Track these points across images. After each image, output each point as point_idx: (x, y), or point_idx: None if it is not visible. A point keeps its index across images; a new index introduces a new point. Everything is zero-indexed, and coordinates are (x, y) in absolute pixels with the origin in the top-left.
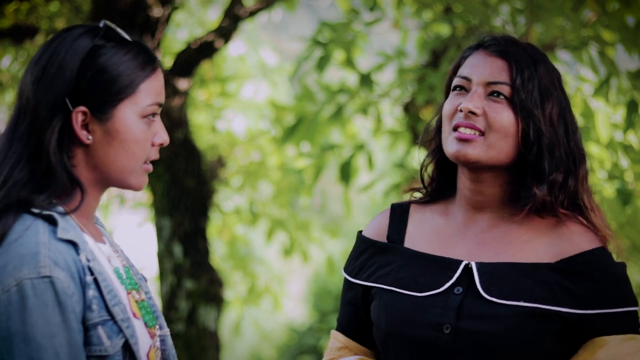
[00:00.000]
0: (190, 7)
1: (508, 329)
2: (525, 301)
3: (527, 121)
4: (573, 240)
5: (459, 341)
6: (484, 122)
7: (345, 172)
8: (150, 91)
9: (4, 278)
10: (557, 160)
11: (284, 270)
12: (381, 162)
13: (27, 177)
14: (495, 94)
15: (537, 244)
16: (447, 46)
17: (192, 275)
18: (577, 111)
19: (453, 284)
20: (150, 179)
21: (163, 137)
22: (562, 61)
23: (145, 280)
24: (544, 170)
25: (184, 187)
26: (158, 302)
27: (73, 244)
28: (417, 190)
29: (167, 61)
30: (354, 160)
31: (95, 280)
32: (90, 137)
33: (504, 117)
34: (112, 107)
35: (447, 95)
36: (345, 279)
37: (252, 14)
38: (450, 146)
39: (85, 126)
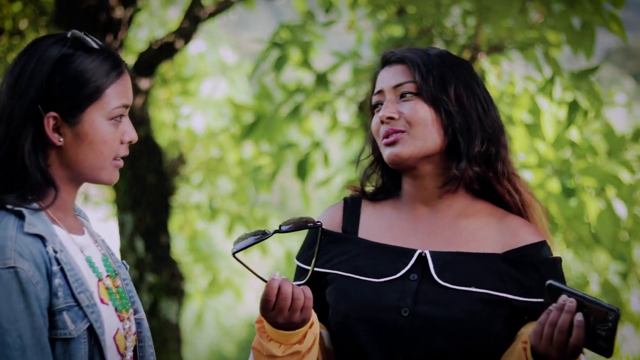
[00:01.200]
0: (151, 7)
1: (461, 313)
2: (476, 287)
3: (438, 107)
4: (518, 233)
5: (417, 324)
6: (403, 122)
7: (302, 169)
8: (116, 95)
9: None
10: (475, 134)
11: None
12: (337, 159)
13: None
14: (404, 95)
15: (484, 235)
16: (400, 46)
17: (153, 270)
18: (525, 109)
19: (408, 270)
20: None
21: (131, 135)
22: (513, 59)
23: (126, 268)
24: (460, 146)
25: (145, 183)
26: None
27: (40, 237)
28: (361, 192)
29: (129, 61)
30: (310, 157)
31: (62, 270)
32: (61, 140)
33: (418, 110)
34: (81, 112)
35: (372, 115)
36: (298, 267)
37: (212, 15)
38: (385, 154)
39: (56, 129)
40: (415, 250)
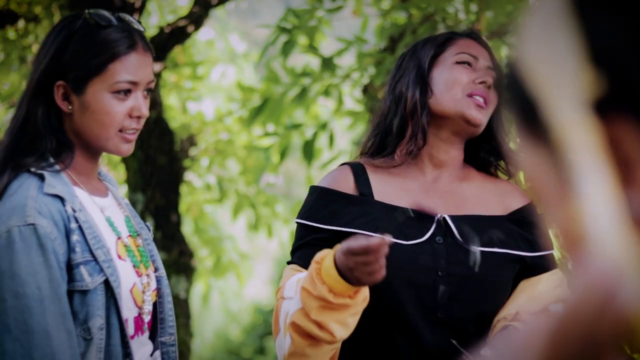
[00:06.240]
0: None
1: (490, 272)
2: (497, 248)
3: (498, 98)
4: (514, 197)
5: (453, 284)
6: (489, 97)
7: (309, 150)
8: (120, 70)
9: None
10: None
11: (249, 252)
12: (342, 142)
13: (15, 143)
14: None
15: (486, 199)
16: (403, 32)
17: (163, 247)
18: None
19: (433, 233)
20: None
21: (140, 111)
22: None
23: (149, 230)
24: (499, 143)
25: (156, 164)
26: None
27: (59, 198)
28: (367, 155)
29: None
30: (316, 139)
31: (80, 227)
32: (70, 107)
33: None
34: (86, 83)
35: (429, 66)
36: (309, 226)
37: (222, 1)
38: (473, 112)
39: (66, 97)
40: (433, 215)
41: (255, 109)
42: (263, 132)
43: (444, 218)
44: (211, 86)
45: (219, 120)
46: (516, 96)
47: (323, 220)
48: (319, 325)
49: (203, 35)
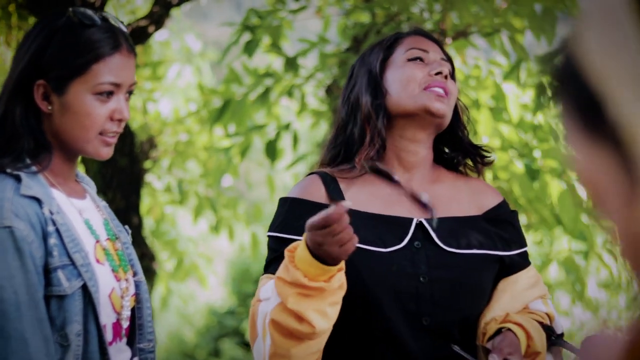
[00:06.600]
0: None
1: (471, 274)
2: (477, 249)
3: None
4: (487, 195)
5: (436, 288)
6: (448, 87)
7: (272, 150)
8: (103, 71)
9: None
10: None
11: (207, 252)
12: (304, 144)
13: None
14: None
15: (459, 199)
16: (368, 32)
17: None
18: (489, 93)
19: (411, 239)
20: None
21: (121, 114)
22: (478, 46)
23: (128, 233)
24: (459, 137)
25: (116, 165)
26: None
27: (36, 199)
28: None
29: None
30: (279, 139)
31: (58, 230)
32: (50, 107)
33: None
34: (67, 83)
35: (381, 69)
36: (284, 238)
37: (182, 1)
38: (434, 104)
39: (46, 97)
40: (411, 219)
41: (217, 111)
42: (224, 133)
43: (420, 222)
44: (168, 86)
45: (178, 121)
46: (575, 91)
47: (298, 232)
48: (298, 317)
49: (158, 35)
